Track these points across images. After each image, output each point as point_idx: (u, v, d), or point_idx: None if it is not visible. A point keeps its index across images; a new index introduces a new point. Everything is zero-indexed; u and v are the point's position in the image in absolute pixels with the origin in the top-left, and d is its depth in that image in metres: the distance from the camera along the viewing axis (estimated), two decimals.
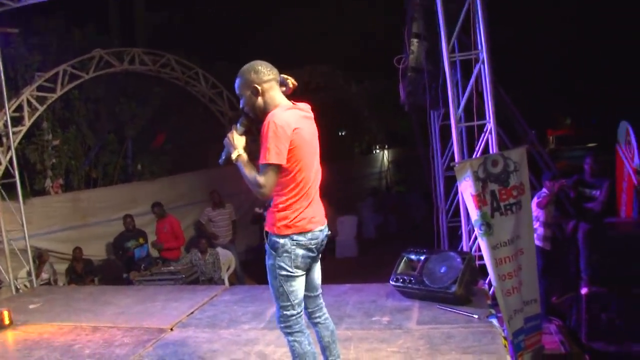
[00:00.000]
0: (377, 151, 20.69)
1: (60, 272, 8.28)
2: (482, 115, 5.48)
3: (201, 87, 10.96)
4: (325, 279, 3.40)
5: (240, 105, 3.16)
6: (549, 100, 18.47)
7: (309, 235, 3.05)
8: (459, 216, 5.71)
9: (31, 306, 6.04)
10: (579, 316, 6.43)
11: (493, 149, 5.27)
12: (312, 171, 3.08)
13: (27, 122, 7.98)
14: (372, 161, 20.27)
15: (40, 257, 7.90)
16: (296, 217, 3.01)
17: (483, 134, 5.42)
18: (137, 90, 10.95)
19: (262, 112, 3.04)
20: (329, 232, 3.24)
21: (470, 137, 5.80)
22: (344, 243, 11.83)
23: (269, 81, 3.05)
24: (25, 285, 7.40)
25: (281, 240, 3.01)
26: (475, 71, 5.34)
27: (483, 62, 5.30)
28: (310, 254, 3.09)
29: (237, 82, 3.11)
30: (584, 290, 6.39)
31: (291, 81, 3.18)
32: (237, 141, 3.09)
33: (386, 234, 13.36)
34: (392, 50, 7.35)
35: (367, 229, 13.49)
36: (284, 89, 3.15)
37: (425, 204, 12.31)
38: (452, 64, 5.48)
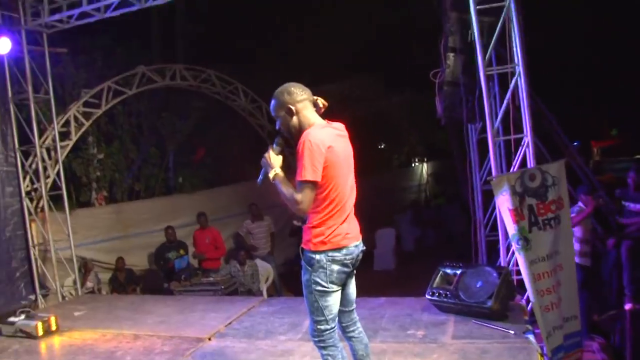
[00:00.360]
0: (417, 164, 20.56)
1: (104, 281, 8.52)
2: (519, 129, 5.40)
3: (241, 102, 11.12)
4: (362, 292, 3.43)
5: (277, 127, 3.25)
6: (593, 110, 17.98)
7: (344, 251, 3.09)
8: (497, 230, 5.64)
9: (76, 313, 6.27)
10: (623, 334, 6.23)
11: (531, 162, 5.20)
12: (347, 188, 3.13)
13: (74, 137, 8.27)
14: (411, 174, 20.14)
15: (85, 266, 8.14)
16: (331, 233, 3.06)
17: (521, 148, 5.36)
18: (178, 105, 11.22)
19: (298, 131, 3.11)
20: (364, 248, 3.27)
21: (508, 151, 5.73)
22: (382, 255, 11.78)
23: (302, 101, 3.13)
24: (71, 293, 7.65)
25: (317, 256, 3.06)
26: (512, 85, 5.29)
27: (519, 76, 5.25)
28: (345, 269, 3.13)
29: (272, 104, 3.21)
30: (627, 306, 6.20)
31: (321, 101, 3.25)
32: (274, 160, 3.17)
33: (424, 247, 13.22)
34: (431, 61, 7.35)
35: (406, 241, 13.41)
36: (315, 109, 3.22)
37: (463, 217, 12.15)
38: (489, 78, 5.45)
